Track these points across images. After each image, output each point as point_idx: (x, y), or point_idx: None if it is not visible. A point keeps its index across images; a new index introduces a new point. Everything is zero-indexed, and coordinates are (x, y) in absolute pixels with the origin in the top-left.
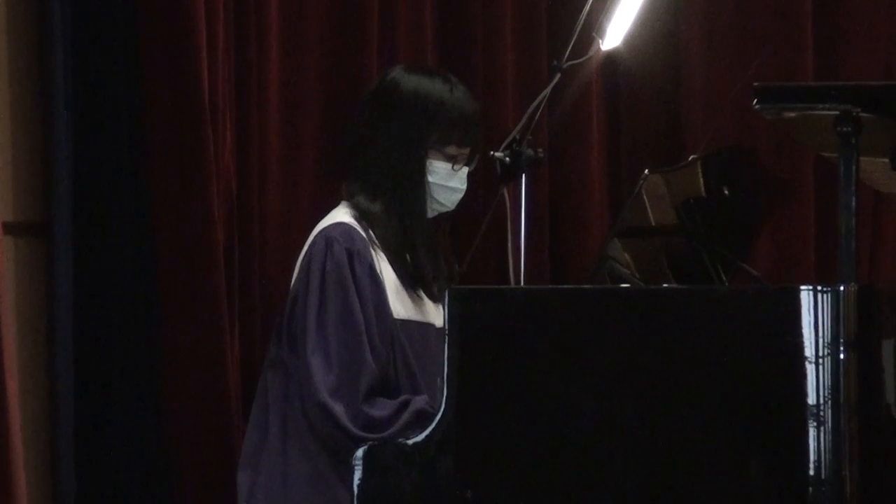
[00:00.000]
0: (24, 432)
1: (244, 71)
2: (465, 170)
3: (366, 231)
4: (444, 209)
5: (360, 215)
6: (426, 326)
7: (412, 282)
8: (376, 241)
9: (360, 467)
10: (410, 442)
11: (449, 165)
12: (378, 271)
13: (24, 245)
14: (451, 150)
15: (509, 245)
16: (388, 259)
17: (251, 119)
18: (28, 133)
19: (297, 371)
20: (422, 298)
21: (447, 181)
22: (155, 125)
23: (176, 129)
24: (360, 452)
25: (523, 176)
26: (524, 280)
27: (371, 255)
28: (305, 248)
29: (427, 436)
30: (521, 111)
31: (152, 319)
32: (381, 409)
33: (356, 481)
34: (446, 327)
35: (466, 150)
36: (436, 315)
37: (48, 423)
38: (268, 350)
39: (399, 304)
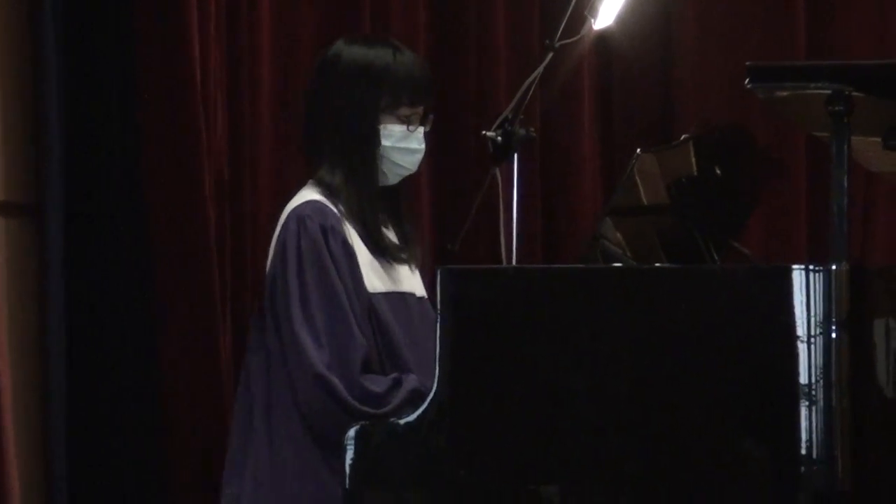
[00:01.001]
0: (15, 414)
1: (236, 52)
2: (421, 129)
3: (336, 206)
4: (406, 172)
5: (326, 191)
6: (404, 296)
7: (383, 252)
8: (346, 214)
9: (352, 447)
10: (403, 422)
11: (404, 127)
12: (351, 246)
13: (15, 226)
14: (404, 111)
15: (501, 224)
16: (357, 232)
17: (243, 101)
18: (19, 114)
19: (284, 354)
20: (395, 268)
21: (404, 143)
22: (146, 105)
23: (167, 109)
24: (351, 432)
25: (515, 155)
26: (516, 259)
27: (344, 230)
28: (278, 229)
29: (419, 416)
30: (514, 90)
31: (145, 299)
32: (376, 384)
33: (348, 461)
34: (438, 306)
35: (419, 109)
36: (413, 283)
37: (40, 403)
38: (249, 336)
39: (375, 277)
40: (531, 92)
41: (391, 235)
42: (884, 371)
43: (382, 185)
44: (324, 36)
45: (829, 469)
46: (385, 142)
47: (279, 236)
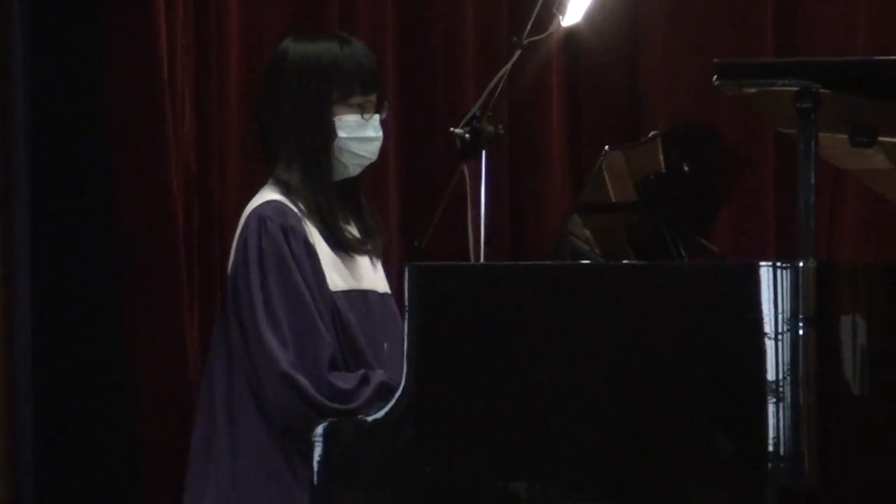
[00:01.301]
0: None
1: (203, 46)
2: (377, 117)
3: (295, 205)
4: (366, 161)
5: (284, 189)
6: (366, 294)
7: (344, 247)
8: (305, 212)
9: (321, 444)
10: (371, 419)
11: (358, 116)
12: (313, 245)
13: None
14: (356, 99)
15: (469, 221)
16: (318, 229)
17: (210, 95)
18: None
19: (249, 355)
20: (357, 265)
21: (361, 132)
22: (114, 100)
23: (135, 103)
24: (320, 430)
25: (483, 152)
26: (484, 256)
27: (305, 230)
28: (239, 229)
29: (387, 412)
30: (482, 87)
31: (113, 294)
32: (344, 381)
33: (316, 458)
34: (406, 303)
35: (372, 97)
36: (375, 280)
37: (7, 402)
38: (213, 335)
39: (336, 275)
40: (499, 89)
41: (352, 229)
42: (851, 368)
43: (343, 178)
44: (292, 30)
45: (796, 465)
46: (341, 133)
47: (240, 237)
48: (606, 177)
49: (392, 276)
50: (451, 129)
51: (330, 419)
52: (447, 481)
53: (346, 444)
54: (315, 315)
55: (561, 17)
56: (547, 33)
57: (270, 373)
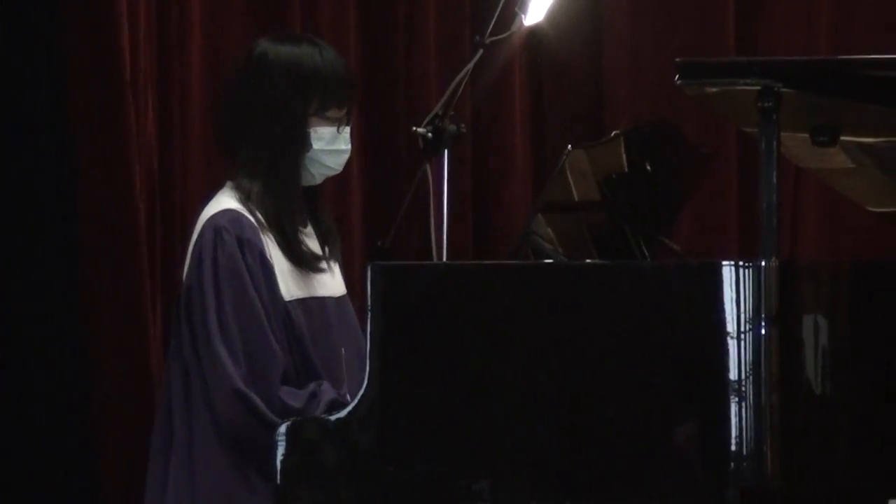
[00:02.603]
0: None
1: (166, 49)
2: (347, 129)
3: (252, 214)
4: (332, 172)
5: (244, 196)
6: (323, 301)
7: (300, 262)
8: (263, 223)
9: (283, 443)
10: (333, 418)
11: (334, 129)
12: (268, 257)
13: None
14: (333, 112)
15: (432, 221)
16: (275, 240)
17: (173, 97)
18: None
19: (200, 367)
20: (314, 273)
21: (334, 145)
22: (76, 98)
23: (97, 103)
24: (282, 429)
25: (446, 151)
26: (447, 256)
27: (261, 242)
28: (194, 236)
29: (350, 412)
30: (444, 86)
31: (73, 296)
32: (294, 399)
33: (279, 457)
34: (368, 303)
35: (345, 110)
36: (332, 286)
37: None
38: (171, 341)
39: (292, 283)
40: (462, 88)
41: (310, 239)
42: (813, 367)
43: (306, 185)
44: (254, 32)
45: (758, 465)
46: (316, 145)
47: (195, 246)
48: (569, 176)
49: (355, 276)
50: (414, 128)
51: (293, 418)
52: (410, 481)
53: (309, 444)
54: (267, 330)
55: (523, 17)
56: (509, 32)
57: (222, 389)
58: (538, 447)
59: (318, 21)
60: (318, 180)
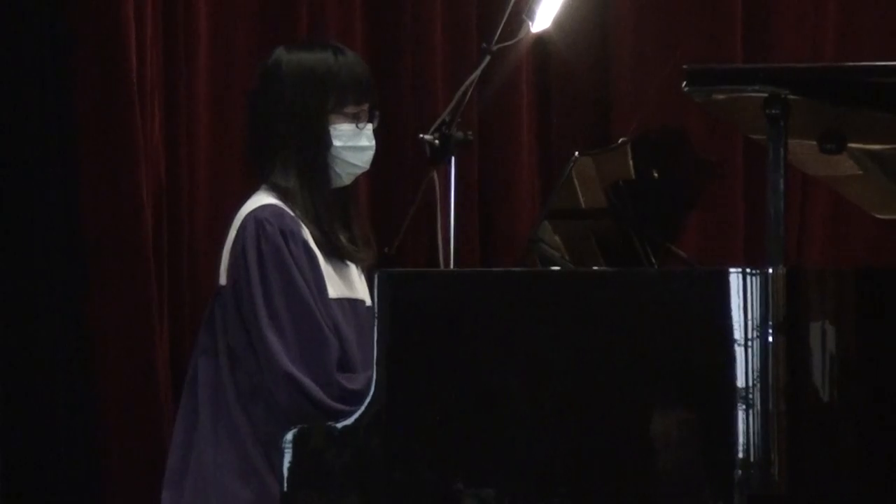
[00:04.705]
0: None
1: (173, 56)
2: (370, 126)
3: (292, 210)
4: (359, 170)
5: (281, 195)
6: (356, 303)
7: (339, 254)
8: (303, 219)
9: (290, 450)
10: (340, 425)
11: (353, 125)
12: (312, 249)
13: None
14: (351, 108)
15: (439, 228)
16: (313, 236)
17: (180, 105)
18: None
19: (256, 359)
20: (349, 274)
21: (355, 141)
22: (83, 104)
23: (104, 113)
24: (289, 435)
25: (453, 158)
26: (454, 263)
27: (304, 234)
28: (234, 232)
29: (357, 419)
30: (451, 94)
31: (81, 306)
32: (351, 382)
33: (286, 464)
34: (375, 310)
35: (365, 107)
36: (363, 291)
37: None
38: (198, 337)
39: (329, 282)
40: (469, 95)
41: (342, 237)
42: (820, 374)
43: (336, 187)
44: (261, 40)
45: (765, 472)
46: (336, 142)
47: (237, 241)
48: (576, 183)
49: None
50: (421, 135)
51: (300, 425)
52: (416, 488)
53: (316, 451)
54: (318, 316)
55: (530, 23)
56: (516, 39)
57: (274, 373)
58: (544, 454)
59: (325, 28)
60: (347, 180)
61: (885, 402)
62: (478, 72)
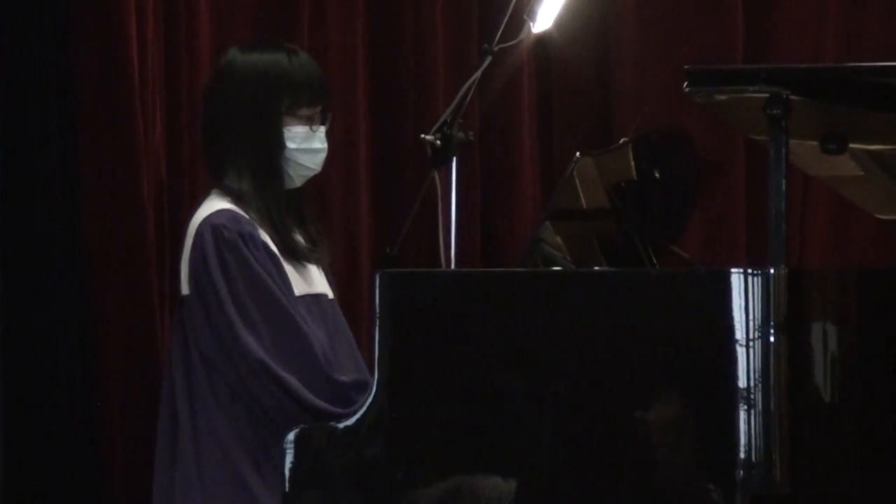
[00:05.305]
0: None
1: (174, 56)
2: (323, 129)
3: (246, 212)
4: (311, 172)
5: (234, 198)
6: (320, 298)
7: (295, 254)
8: (258, 222)
9: (292, 452)
10: (342, 426)
11: (307, 127)
12: (273, 249)
13: None
14: (304, 111)
15: (440, 228)
16: (270, 237)
17: (181, 106)
18: None
19: (233, 364)
20: (307, 270)
21: (308, 143)
22: (84, 103)
23: (105, 111)
24: (291, 436)
25: (454, 159)
26: (455, 263)
27: (262, 236)
28: (190, 240)
29: (358, 419)
30: (452, 94)
31: (82, 305)
32: (343, 374)
33: (287, 465)
34: (376, 310)
35: (319, 108)
36: (322, 284)
37: None
38: (169, 351)
39: (293, 280)
40: (470, 95)
41: (299, 238)
42: (822, 374)
43: (288, 189)
44: (262, 36)
45: (767, 472)
46: (289, 144)
47: (195, 249)
48: (578, 183)
49: (363, 283)
50: (422, 135)
51: (301, 426)
52: (418, 488)
53: (317, 452)
54: (296, 317)
55: (532, 24)
56: (517, 40)
57: (249, 365)
58: (546, 454)
59: (326, 29)
60: (298, 182)
61: (886, 402)
62: (479, 72)
